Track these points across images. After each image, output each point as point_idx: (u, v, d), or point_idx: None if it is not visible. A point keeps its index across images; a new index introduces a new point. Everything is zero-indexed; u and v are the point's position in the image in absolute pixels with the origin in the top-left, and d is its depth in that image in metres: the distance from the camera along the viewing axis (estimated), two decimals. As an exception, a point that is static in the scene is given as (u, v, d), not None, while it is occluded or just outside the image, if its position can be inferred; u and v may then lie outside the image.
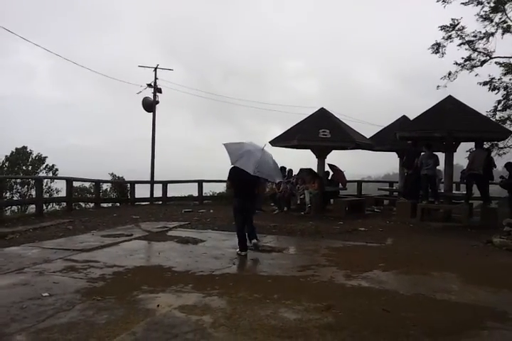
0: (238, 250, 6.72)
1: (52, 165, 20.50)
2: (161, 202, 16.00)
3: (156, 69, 23.68)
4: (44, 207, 14.27)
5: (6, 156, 20.07)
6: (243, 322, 3.68)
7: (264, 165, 6.62)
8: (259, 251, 6.92)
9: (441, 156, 11.43)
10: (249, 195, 6.92)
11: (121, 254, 6.48)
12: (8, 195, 18.91)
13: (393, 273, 5.65)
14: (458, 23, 17.43)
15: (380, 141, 14.75)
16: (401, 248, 7.54)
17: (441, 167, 11.86)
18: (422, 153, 11.23)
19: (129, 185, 16.40)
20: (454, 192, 12.32)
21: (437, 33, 18.23)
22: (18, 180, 18.83)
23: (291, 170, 13.75)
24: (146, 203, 16.05)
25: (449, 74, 18.34)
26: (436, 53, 18.05)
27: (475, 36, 17.69)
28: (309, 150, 13.69)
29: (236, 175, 6.73)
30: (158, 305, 4.07)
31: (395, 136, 12.09)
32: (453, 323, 3.78)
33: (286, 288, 4.77)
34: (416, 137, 11.61)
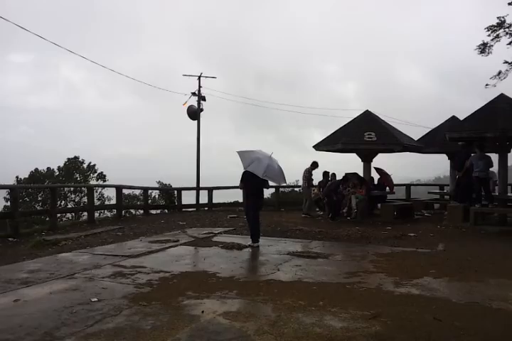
0: (251, 242, 7.86)
1: (102, 173, 21.26)
2: (206, 208, 16.20)
3: (199, 77, 24.07)
4: (97, 214, 14.84)
5: (59, 167, 20.99)
6: (288, 329, 3.61)
7: (271, 170, 7.69)
8: (305, 257, 6.83)
9: (494, 158, 10.91)
10: (259, 194, 8.14)
11: (168, 260, 6.57)
12: (63, 203, 19.80)
13: (445, 280, 5.40)
14: (504, 21, 16.67)
15: (428, 143, 14.29)
16: (453, 254, 7.22)
17: (495, 168, 11.32)
18: (473, 154, 10.76)
19: (175, 191, 16.73)
20: (509, 194, 11.70)
21: (483, 32, 17.46)
22: (72, 189, 19.65)
23: (334, 174, 13.55)
24: (193, 209, 16.30)
25: (499, 73, 17.55)
26: (482, 53, 17.36)
27: None
28: (354, 154, 13.46)
29: (248, 178, 7.82)
30: (202, 312, 4.08)
31: (445, 137, 11.67)
32: (510, 333, 3.55)
33: (331, 295, 4.66)
34: (467, 138, 11.13)
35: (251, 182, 7.86)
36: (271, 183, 8.40)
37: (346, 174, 13.09)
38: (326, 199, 12.80)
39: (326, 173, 13.70)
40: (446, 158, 15.11)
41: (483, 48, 17.26)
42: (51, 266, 6.08)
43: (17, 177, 20.82)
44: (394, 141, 12.18)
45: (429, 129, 15.94)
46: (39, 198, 20.10)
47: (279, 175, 7.98)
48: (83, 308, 4.18)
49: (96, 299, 4.47)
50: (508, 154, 11.12)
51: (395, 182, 14.41)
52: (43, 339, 3.41)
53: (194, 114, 22.77)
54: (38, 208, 19.28)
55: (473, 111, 11.34)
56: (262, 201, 8.56)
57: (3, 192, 16.15)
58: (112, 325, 3.72)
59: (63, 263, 6.32)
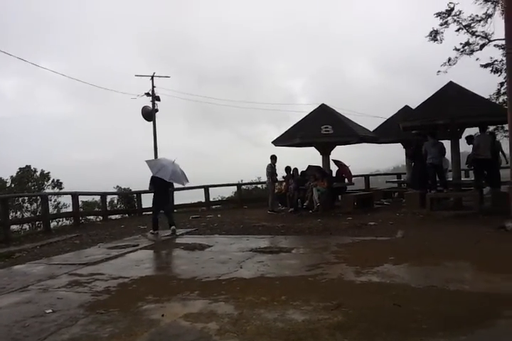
0: (151, 230, 9.70)
1: (57, 181, 20.53)
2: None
3: (152, 77, 23.69)
4: (55, 223, 14.30)
5: (12, 177, 20.14)
6: (250, 327, 3.56)
7: (175, 174, 9.42)
8: (267, 253, 6.81)
9: (447, 144, 11.25)
10: (163, 193, 9.84)
11: (127, 265, 6.39)
12: (18, 213, 18.98)
13: (404, 266, 5.51)
14: (453, 9, 17.26)
15: (384, 133, 14.59)
16: (412, 240, 7.39)
17: (447, 155, 11.66)
18: (426, 142, 11.05)
19: (135, 195, 16.36)
20: (462, 179, 12.11)
21: (434, 20, 18.08)
22: (27, 198, 18.87)
23: (296, 169, 13.62)
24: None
25: (449, 60, 18.19)
26: (434, 41, 17.90)
27: (472, 19, 17.49)
28: (313, 148, 13.58)
29: (155, 181, 9.52)
30: (162, 315, 3.96)
31: (399, 127, 11.93)
32: (468, 314, 3.63)
33: (294, 289, 4.65)
34: (419, 126, 11.42)
35: (158, 185, 9.52)
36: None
37: (309, 166, 13.20)
38: (288, 193, 12.85)
39: (288, 168, 13.75)
40: (402, 147, 15.48)
41: (435, 35, 17.80)
42: (3, 280, 5.77)
43: (-36, 189, 19.84)
44: (350, 132, 12.37)
45: (384, 119, 16.28)
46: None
47: (182, 177, 9.67)
48: (36, 321, 3.98)
49: (50, 310, 4.27)
50: (460, 140, 11.48)
51: (354, 173, 14.66)
52: (-9, 358, 3.22)
53: (149, 114, 22.39)
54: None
55: (424, 99, 11.65)
56: (170, 197, 11.14)
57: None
58: (66, 336, 3.55)
59: (16, 276, 6.02)
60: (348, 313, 3.77)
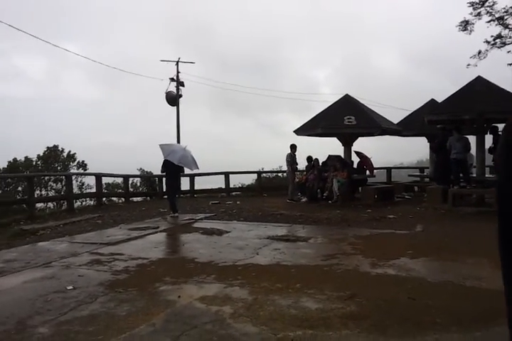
0: (171, 214, 10.00)
1: (83, 162, 20.94)
2: (189, 195, 16.12)
3: (177, 62, 23.74)
4: (78, 203, 14.66)
5: (39, 155, 20.60)
6: (263, 312, 3.62)
7: (184, 159, 9.88)
8: (284, 241, 6.86)
9: (472, 140, 11.03)
10: (175, 177, 10.41)
11: (146, 247, 6.53)
12: (43, 192, 19.48)
13: (421, 261, 5.47)
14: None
15: (408, 126, 14.39)
16: (431, 234, 7.32)
17: (472, 151, 11.44)
18: (451, 137, 10.85)
19: (157, 179, 16.58)
20: (486, 176, 11.88)
21: (464, 10, 17.57)
22: (52, 177, 19.32)
23: (317, 160, 13.57)
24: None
25: (479, 52, 17.67)
26: (464, 31, 17.40)
27: (506, 12, 16.93)
28: (335, 138, 13.49)
29: (167, 165, 9.89)
30: (179, 296, 4.06)
31: (424, 120, 11.75)
32: (482, 311, 3.60)
33: (309, 278, 4.69)
34: (445, 120, 11.23)
35: (169, 168, 9.89)
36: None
37: (329, 156, 13.15)
38: (307, 183, 12.86)
39: (309, 158, 13.72)
40: (426, 140, 15.25)
41: (465, 26, 17.31)
42: (27, 255, 5.99)
43: (-5, 166, 20.41)
44: (373, 124, 12.24)
45: (410, 112, 16.04)
46: (19, 188, 19.76)
47: (191, 162, 10.10)
48: (58, 296, 4.13)
49: (71, 287, 4.41)
50: (486, 136, 11.24)
51: (376, 165, 14.52)
52: (15, 328, 3.36)
53: (173, 99, 22.52)
54: (18, 198, 18.95)
55: (449, 92, 11.45)
56: (179, 182, 11.39)
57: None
58: (86, 312, 3.68)
59: (40, 252, 6.23)
60: (361, 304, 3.80)
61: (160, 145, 10.19)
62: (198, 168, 10.51)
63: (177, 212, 10.08)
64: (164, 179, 10.74)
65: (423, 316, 3.49)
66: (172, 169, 9.95)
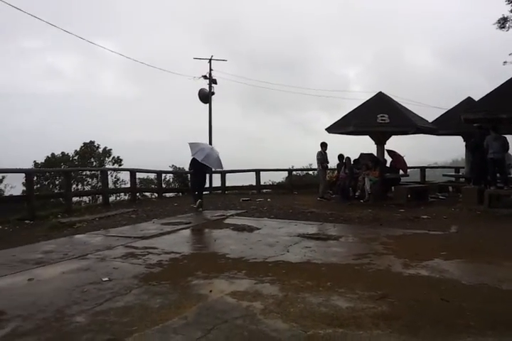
0: (192, 204, 10.71)
1: (118, 157, 21.44)
2: (220, 192, 16.27)
3: (210, 60, 23.94)
4: (113, 198, 15.03)
5: (76, 150, 21.23)
6: (293, 309, 3.64)
7: (209, 158, 10.33)
8: (315, 239, 6.85)
9: (510, 139, 10.69)
10: (200, 174, 10.86)
11: (179, 241, 6.66)
12: (80, 186, 20.07)
13: (456, 262, 5.36)
14: None
15: (444, 125, 14.07)
16: (466, 236, 7.16)
17: (511, 150, 11.09)
18: (488, 136, 10.54)
19: (189, 175, 16.79)
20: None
21: (501, 6, 16.92)
22: (88, 173, 19.88)
23: (348, 158, 13.44)
24: (206, 193, 16.35)
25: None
26: (501, 28, 16.83)
27: None
28: (367, 137, 13.32)
29: (194, 162, 10.41)
30: (210, 291, 4.13)
31: (460, 119, 11.46)
32: (519, 315, 3.52)
33: (340, 276, 4.67)
34: (482, 119, 10.90)
35: (195, 165, 10.45)
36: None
37: (362, 154, 13.00)
38: (339, 181, 12.77)
39: (340, 156, 13.62)
40: (462, 139, 14.88)
41: (503, 23, 16.75)
42: (65, 247, 6.20)
43: (34, 161, 21.14)
44: (407, 122, 12.02)
45: (443, 110, 15.69)
46: (57, 182, 20.43)
47: (216, 161, 10.59)
48: (94, 287, 4.27)
49: (107, 278, 4.55)
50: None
51: (410, 165, 14.26)
52: (53, 316, 3.49)
53: (206, 97, 22.71)
54: (56, 192, 19.58)
55: (486, 90, 11.13)
56: (204, 179, 11.47)
57: (21, 177, 16.44)
58: (121, 304, 3.79)
59: (77, 245, 6.43)
60: (393, 304, 3.76)
61: (189, 143, 10.65)
62: (221, 168, 11.21)
63: (198, 206, 10.50)
64: (192, 174, 11.28)
65: (456, 319, 3.43)
66: (197, 167, 10.43)
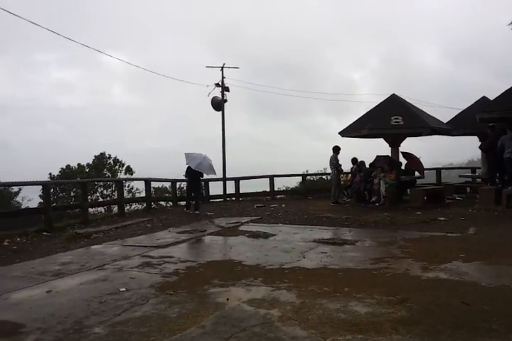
0: (185, 209, 12.11)
1: (128, 166, 21.68)
2: (234, 199, 16.27)
3: (222, 68, 24.02)
4: (128, 207, 15.11)
5: (88, 163, 21.53)
6: (312, 315, 3.61)
7: (201, 165, 11.60)
8: (331, 244, 6.80)
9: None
10: (195, 180, 12.08)
11: (195, 250, 6.70)
12: (95, 197, 20.29)
13: (475, 264, 5.28)
14: None
15: (459, 125, 13.91)
16: (484, 237, 7.04)
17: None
18: (503, 136, 10.38)
19: (203, 183, 16.83)
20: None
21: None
22: (102, 183, 20.07)
23: (362, 162, 13.35)
24: (220, 200, 16.40)
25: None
26: None
27: None
28: (381, 139, 13.23)
29: (189, 170, 11.66)
30: (227, 299, 4.12)
31: (475, 119, 11.33)
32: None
33: (357, 281, 4.63)
34: (497, 118, 10.77)
35: (191, 173, 11.69)
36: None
37: (377, 156, 12.90)
38: (353, 185, 12.68)
39: (354, 159, 13.54)
40: (478, 140, 14.67)
41: None
42: (82, 258, 6.25)
43: (50, 173, 21.45)
44: (422, 124, 11.91)
45: (459, 111, 15.50)
46: (72, 193, 20.69)
47: (208, 168, 11.88)
48: (112, 298, 4.29)
49: (124, 289, 4.57)
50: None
51: (425, 166, 14.09)
52: (72, 328, 3.52)
53: (218, 104, 22.77)
54: (72, 203, 19.81)
55: (500, 90, 11.00)
56: (199, 185, 13.15)
57: (37, 189, 16.69)
58: (139, 314, 3.80)
59: (94, 255, 6.49)
60: (412, 308, 3.71)
61: (185, 153, 11.86)
62: (214, 174, 12.39)
63: (193, 210, 11.75)
64: (187, 181, 12.43)
65: (478, 322, 3.37)
66: (192, 174, 11.70)
